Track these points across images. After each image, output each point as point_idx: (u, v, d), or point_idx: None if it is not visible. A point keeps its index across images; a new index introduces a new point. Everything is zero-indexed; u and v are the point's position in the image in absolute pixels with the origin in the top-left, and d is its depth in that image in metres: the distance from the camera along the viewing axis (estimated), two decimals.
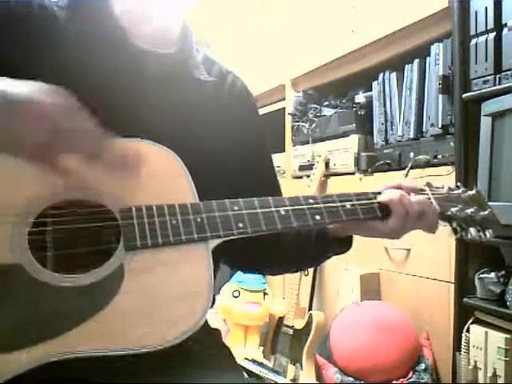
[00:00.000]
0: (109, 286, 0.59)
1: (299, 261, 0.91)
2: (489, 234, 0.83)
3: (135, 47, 0.75)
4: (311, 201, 0.72)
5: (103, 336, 0.57)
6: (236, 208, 0.67)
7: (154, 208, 0.63)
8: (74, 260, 0.60)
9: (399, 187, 0.78)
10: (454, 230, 0.82)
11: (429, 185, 0.83)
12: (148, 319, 0.59)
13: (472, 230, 0.82)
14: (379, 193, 0.78)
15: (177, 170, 0.66)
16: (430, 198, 0.79)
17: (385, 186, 0.79)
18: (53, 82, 0.66)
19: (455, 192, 0.84)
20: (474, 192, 0.85)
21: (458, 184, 0.86)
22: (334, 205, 0.73)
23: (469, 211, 0.81)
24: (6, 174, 0.60)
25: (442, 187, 0.84)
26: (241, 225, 0.66)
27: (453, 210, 0.80)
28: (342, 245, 0.82)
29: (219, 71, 0.86)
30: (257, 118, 0.92)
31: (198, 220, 0.64)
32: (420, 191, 0.80)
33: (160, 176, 0.66)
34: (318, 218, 0.71)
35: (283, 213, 0.69)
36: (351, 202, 0.75)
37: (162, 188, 0.65)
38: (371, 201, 0.76)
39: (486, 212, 0.82)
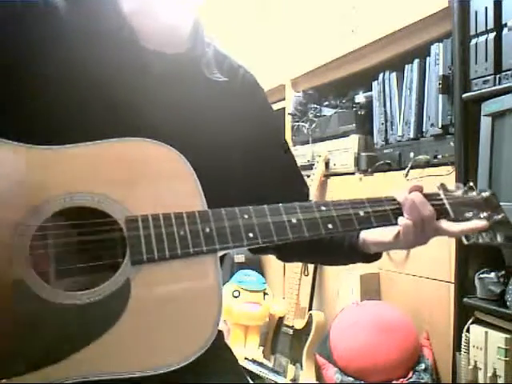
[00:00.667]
0: (116, 303, 0.57)
1: (331, 261, 0.95)
2: (500, 237, 0.80)
3: (143, 47, 0.74)
4: (323, 208, 0.70)
5: (110, 359, 0.55)
6: (246, 216, 0.65)
7: (161, 218, 0.60)
8: (78, 274, 0.58)
9: (419, 189, 0.76)
10: (467, 236, 0.80)
11: (443, 187, 0.81)
12: (158, 338, 0.57)
13: (484, 234, 0.80)
14: (393, 199, 0.76)
15: (184, 172, 0.64)
16: (444, 204, 0.78)
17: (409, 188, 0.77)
18: (59, 79, 0.67)
19: (469, 195, 0.81)
20: (488, 194, 0.83)
21: (471, 185, 0.84)
22: (346, 212, 0.71)
23: (483, 216, 0.79)
24: (6, 182, 0.57)
25: (457, 189, 0.82)
26: (251, 235, 0.64)
27: (467, 215, 0.78)
28: (371, 257, 0.82)
29: (230, 66, 0.85)
30: (269, 114, 0.91)
31: (207, 230, 0.62)
32: (435, 196, 0.78)
33: (166, 178, 0.63)
34: (330, 226, 0.69)
35: (294, 221, 0.67)
36: (364, 210, 0.72)
37: (168, 191, 0.63)
38: (384, 207, 0.74)
39: (500, 216, 0.80)
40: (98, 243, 0.59)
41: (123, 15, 0.73)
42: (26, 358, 0.53)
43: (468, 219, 0.78)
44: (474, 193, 0.82)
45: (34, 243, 0.56)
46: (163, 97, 0.73)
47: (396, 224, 0.74)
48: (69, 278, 0.58)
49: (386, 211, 0.74)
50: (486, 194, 0.82)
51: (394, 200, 0.75)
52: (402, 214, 0.74)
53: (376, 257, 0.82)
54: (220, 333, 0.83)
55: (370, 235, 0.79)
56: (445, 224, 0.76)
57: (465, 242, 0.81)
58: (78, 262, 0.59)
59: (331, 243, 0.82)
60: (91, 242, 0.59)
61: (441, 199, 0.78)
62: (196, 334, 0.58)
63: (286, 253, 0.90)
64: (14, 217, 0.56)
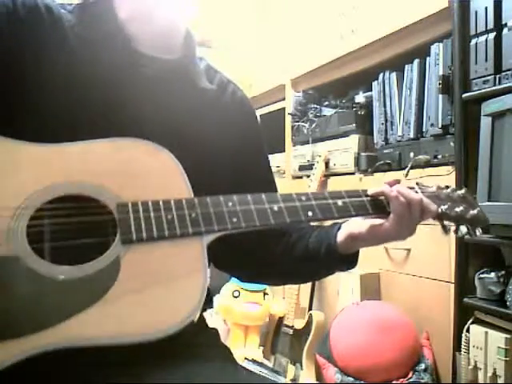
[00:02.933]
0: (106, 277, 0.60)
1: (305, 275, 0.93)
2: (478, 232, 0.84)
3: (136, 52, 0.77)
4: (303, 197, 0.74)
5: (101, 325, 0.58)
6: (230, 204, 0.69)
7: (150, 203, 0.64)
8: (71, 252, 0.62)
9: (394, 183, 0.79)
10: (444, 228, 0.83)
11: (418, 184, 0.84)
12: (144, 309, 0.61)
13: (462, 228, 0.83)
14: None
15: (173, 169, 0.68)
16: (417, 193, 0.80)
17: (384, 182, 0.80)
18: (56, 84, 0.70)
19: (444, 191, 0.85)
20: (462, 192, 0.86)
21: (447, 185, 0.88)
22: (325, 201, 0.75)
23: (458, 209, 0.82)
24: (6, 168, 0.61)
25: (432, 186, 0.85)
26: (235, 220, 0.68)
27: (442, 207, 0.81)
28: (349, 262, 0.83)
29: (220, 80, 0.88)
30: (256, 127, 0.94)
31: (193, 215, 0.66)
32: (410, 188, 0.80)
33: (156, 175, 0.67)
34: (310, 214, 0.73)
35: (276, 209, 0.71)
36: (342, 200, 0.76)
37: (158, 187, 0.67)
38: (361, 198, 0.78)
39: (475, 211, 0.83)
40: (91, 224, 0.64)
41: (119, 22, 0.76)
42: (17, 325, 0.56)
43: (444, 212, 0.81)
44: (449, 189, 0.86)
45: (30, 223, 0.60)
46: (155, 99, 0.76)
47: (372, 214, 0.77)
48: (64, 256, 0.61)
49: (363, 201, 0.78)
50: (460, 192, 0.86)
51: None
52: (378, 205, 0.78)
53: (353, 260, 0.83)
54: (215, 331, 0.84)
55: (349, 229, 0.80)
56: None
57: (443, 234, 0.83)
58: (71, 241, 0.63)
59: (308, 252, 0.83)
60: (84, 223, 0.63)
61: (416, 192, 0.80)
62: (181, 307, 0.61)
63: (255, 271, 0.91)
64: (13, 203, 0.60)
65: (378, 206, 0.78)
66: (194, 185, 0.68)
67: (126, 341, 0.58)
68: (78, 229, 0.63)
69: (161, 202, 0.65)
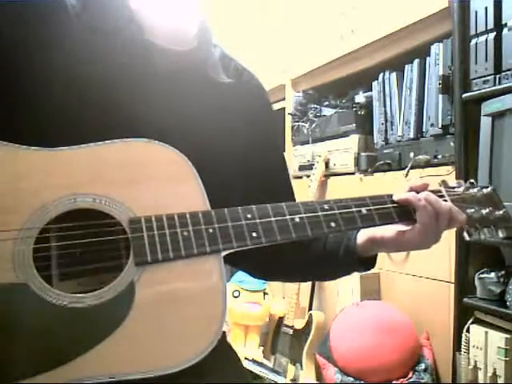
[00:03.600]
0: (120, 306, 0.56)
1: (322, 275, 0.91)
2: (501, 233, 0.80)
3: (150, 44, 0.73)
4: (326, 207, 0.70)
5: (115, 361, 0.55)
6: (249, 216, 0.65)
7: (164, 219, 0.60)
8: (82, 276, 0.59)
9: (422, 188, 0.76)
10: (468, 232, 0.79)
11: (445, 184, 0.80)
12: (164, 339, 0.57)
13: (486, 231, 0.80)
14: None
15: (186, 173, 0.64)
16: (446, 200, 0.77)
17: (409, 186, 0.77)
18: (63, 75, 0.66)
19: (470, 191, 0.81)
20: (489, 190, 0.82)
21: (472, 181, 0.84)
22: (349, 210, 0.71)
23: (484, 212, 0.79)
24: (6, 184, 0.57)
25: (458, 186, 0.82)
26: (254, 234, 0.64)
27: (468, 211, 0.78)
28: (367, 264, 0.80)
29: (236, 69, 0.85)
30: (271, 117, 0.92)
31: (210, 231, 0.62)
32: (437, 192, 0.77)
33: (169, 179, 0.63)
34: (333, 224, 0.69)
35: (298, 220, 0.67)
36: (367, 208, 0.72)
37: (171, 192, 0.63)
38: (387, 205, 0.74)
39: (502, 212, 0.80)
40: (101, 245, 0.59)
41: (130, 11, 0.73)
42: (32, 362, 0.53)
43: (470, 216, 0.78)
44: (475, 189, 0.82)
45: (36, 246, 0.56)
46: (168, 94, 0.73)
47: (398, 222, 0.74)
48: (73, 280, 0.58)
49: (388, 209, 0.74)
50: (486, 191, 0.82)
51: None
52: (404, 213, 0.74)
53: (372, 262, 0.81)
54: (223, 333, 0.83)
55: (371, 233, 0.78)
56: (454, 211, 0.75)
57: (467, 238, 0.80)
58: (81, 265, 0.59)
59: (325, 252, 0.81)
60: (95, 243, 0.59)
61: (443, 196, 0.77)
62: (201, 334, 0.58)
63: (268, 270, 0.88)
64: (16, 220, 0.56)
65: (404, 213, 0.74)
66: (207, 185, 0.64)
67: (149, 375, 0.55)
68: (87, 251, 0.59)
69: (176, 217, 0.61)
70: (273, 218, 0.66)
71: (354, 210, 0.71)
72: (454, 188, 0.81)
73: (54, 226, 0.58)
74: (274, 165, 0.89)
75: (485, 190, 0.82)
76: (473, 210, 0.78)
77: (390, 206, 0.74)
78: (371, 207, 0.72)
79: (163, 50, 0.74)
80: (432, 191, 0.76)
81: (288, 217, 0.67)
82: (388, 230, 0.75)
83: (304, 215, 0.68)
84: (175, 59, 0.74)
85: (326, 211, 0.69)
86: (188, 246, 0.60)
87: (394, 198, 0.75)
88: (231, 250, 0.63)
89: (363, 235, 0.78)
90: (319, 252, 0.82)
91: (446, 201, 0.76)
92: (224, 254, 0.63)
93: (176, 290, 0.59)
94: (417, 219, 0.73)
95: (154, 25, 0.74)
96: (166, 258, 0.59)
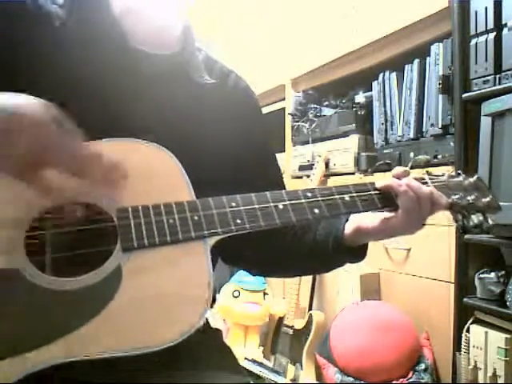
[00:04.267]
0: (107, 288, 0.59)
1: (316, 267, 0.91)
2: (491, 220, 0.80)
3: (132, 48, 0.75)
4: (309, 194, 0.72)
5: (103, 338, 0.57)
6: (233, 204, 0.67)
7: (151, 207, 0.63)
8: (72, 263, 0.60)
9: (403, 175, 0.77)
10: (455, 219, 0.80)
11: (428, 173, 0.81)
12: (148, 319, 0.59)
13: (474, 218, 0.80)
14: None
15: (172, 168, 0.66)
16: (429, 186, 0.77)
17: (392, 173, 0.78)
18: (48, 82, 0.67)
19: (455, 180, 0.82)
20: (474, 179, 0.83)
21: (459, 171, 0.85)
22: (332, 197, 0.73)
23: (470, 198, 0.79)
24: (2, 177, 0.59)
25: (442, 175, 0.82)
26: (239, 221, 0.66)
27: (454, 197, 0.78)
28: (357, 254, 0.81)
29: (220, 71, 0.86)
30: (260, 118, 0.91)
31: (195, 218, 0.64)
32: (420, 180, 0.78)
33: (157, 177, 0.65)
34: (316, 211, 0.71)
35: (281, 207, 0.69)
36: (350, 194, 0.74)
37: (157, 188, 0.65)
38: (369, 192, 0.75)
39: (488, 198, 0.80)
40: (90, 232, 0.61)
41: (114, 18, 0.74)
42: (20, 341, 0.55)
43: (455, 202, 0.78)
44: (461, 177, 0.83)
45: (29, 234, 0.58)
46: (152, 97, 0.74)
47: (381, 208, 0.75)
48: (64, 266, 0.60)
49: (371, 195, 0.75)
50: (472, 179, 0.83)
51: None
52: (387, 199, 0.75)
53: (362, 253, 0.81)
54: (219, 332, 0.84)
55: (357, 222, 0.78)
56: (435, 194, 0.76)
57: (454, 224, 0.81)
58: (71, 251, 0.61)
59: (316, 243, 0.82)
60: (85, 231, 0.61)
61: (426, 182, 0.78)
62: (186, 314, 0.60)
63: (265, 266, 0.89)
64: (9, 211, 0.58)
65: (386, 199, 0.75)
66: (195, 184, 0.66)
67: (126, 354, 0.57)
68: (78, 238, 0.61)
69: (162, 206, 0.63)
70: (257, 206, 0.68)
71: (336, 196, 0.73)
72: (438, 176, 0.82)
73: (47, 216, 0.60)
74: (264, 162, 0.89)
75: (471, 179, 0.83)
76: (457, 196, 0.79)
77: (373, 192, 0.76)
78: (354, 194, 0.74)
79: (146, 55, 0.75)
80: (415, 179, 0.77)
81: (272, 204, 0.69)
82: (373, 218, 0.77)
83: (288, 202, 0.70)
84: (158, 63, 0.76)
85: (309, 198, 0.71)
86: (173, 232, 0.62)
87: (377, 185, 0.76)
88: (217, 237, 0.65)
89: (350, 225, 0.79)
90: (310, 244, 0.82)
91: (428, 187, 0.77)
92: (212, 242, 0.64)
93: (161, 274, 0.61)
94: (399, 204, 0.74)
95: (138, 30, 0.75)
96: (152, 244, 0.61)
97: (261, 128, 0.90)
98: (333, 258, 0.83)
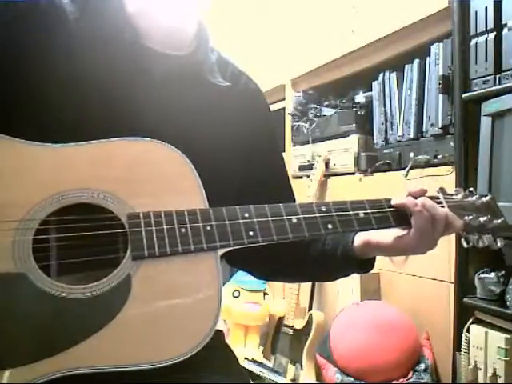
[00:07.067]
0: (116, 298, 0.57)
1: (321, 276, 0.91)
2: (500, 242, 0.80)
3: (146, 47, 0.74)
4: (323, 208, 0.70)
5: (110, 351, 0.56)
6: (246, 215, 0.65)
7: (163, 215, 0.61)
8: (79, 268, 0.59)
9: (419, 194, 0.76)
10: (466, 239, 0.80)
11: (443, 191, 0.80)
12: (157, 333, 0.58)
13: (485, 239, 0.80)
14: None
15: (186, 171, 0.65)
16: (443, 206, 0.77)
17: (408, 191, 0.77)
18: (60, 79, 0.67)
19: (469, 199, 0.81)
20: (487, 199, 0.82)
21: (472, 189, 0.84)
22: (346, 213, 0.71)
23: (482, 220, 0.79)
24: (9, 178, 0.58)
25: (456, 193, 0.82)
26: (251, 233, 0.65)
27: (466, 218, 0.78)
28: (365, 266, 0.81)
29: (233, 73, 0.85)
30: (269, 119, 0.91)
31: (208, 228, 0.63)
32: (435, 199, 0.77)
33: (169, 177, 0.64)
34: (330, 226, 0.70)
35: (295, 221, 0.68)
36: (364, 211, 0.73)
37: (170, 190, 0.64)
38: (384, 209, 0.74)
39: (499, 220, 0.80)
40: (100, 238, 0.60)
41: (127, 16, 0.73)
42: (29, 350, 0.54)
43: (467, 223, 0.78)
44: (474, 197, 0.82)
45: (36, 238, 0.57)
46: (164, 97, 0.73)
47: (395, 226, 0.74)
48: (71, 272, 0.59)
49: (385, 213, 0.74)
50: (485, 199, 0.82)
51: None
52: (401, 217, 0.74)
53: (370, 264, 0.81)
54: (220, 333, 0.83)
55: (367, 236, 0.78)
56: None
57: (465, 245, 0.80)
58: (80, 257, 0.59)
59: (324, 253, 0.81)
60: (94, 237, 0.60)
61: (440, 202, 0.77)
62: (195, 329, 0.59)
63: (270, 271, 0.89)
64: (18, 213, 0.57)
65: (401, 217, 0.74)
66: (205, 186, 0.65)
67: (139, 368, 0.56)
68: (86, 244, 0.59)
69: (174, 214, 0.62)
70: (270, 218, 0.67)
71: (351, 212, 0.72)
72: (452, 195, 0.81)
73: (55, 218, 0.59)
74: (273, 166, 0.89)
75: (484, 199, 0.82)
76: (471, 217, 0.78)
77: (387, 210, 0.74)
78: (368, 210, 0.73)
79: (159, 55, 0.74)
80: (430, 197, 0.76)
81: (285, 217, 0.67)
82: (384, 234, 0.76)
83: (301, 216, 0.68)
84: (171, 63, 0.75)
85: (323, 213, 0.70)
86: (185, 242, 0.61)
87: (392, 202, 0.75)
88: (228, 249, 0.64)
89: (360, 238, 0.78)
90: (318, 253, 0.82)
91: (443, 207, 0.76)
92: (221, 252, 0.64)
93: (171, 286, 0.60)
94: (412, 224, 0.73)
95: (151, 29, 0.74)
96: (163, 253, 0.60)
97: (269, 131, 0.90)
98: (340, 268, 0.83)
